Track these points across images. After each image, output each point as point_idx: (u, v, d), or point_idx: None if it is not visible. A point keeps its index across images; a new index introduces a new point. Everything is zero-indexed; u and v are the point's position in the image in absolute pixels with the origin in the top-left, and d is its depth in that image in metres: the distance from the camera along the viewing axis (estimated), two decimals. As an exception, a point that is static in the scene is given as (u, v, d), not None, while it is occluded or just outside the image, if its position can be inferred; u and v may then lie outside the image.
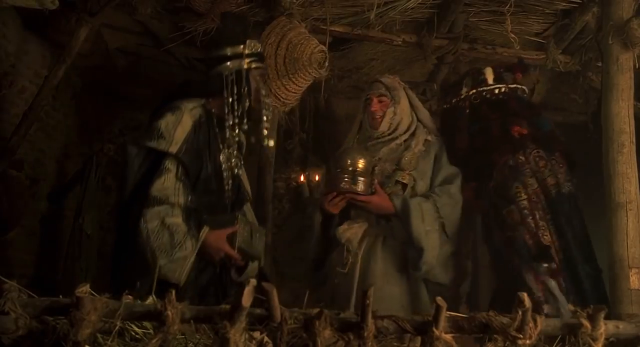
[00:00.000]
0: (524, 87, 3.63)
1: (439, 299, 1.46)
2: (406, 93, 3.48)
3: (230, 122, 2.78)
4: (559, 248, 3.23)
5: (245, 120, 2.81)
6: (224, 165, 2.83)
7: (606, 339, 1.54)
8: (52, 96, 4.18)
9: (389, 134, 3.36)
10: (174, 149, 2.61)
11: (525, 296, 1.49)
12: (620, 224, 2.97)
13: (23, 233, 4.31)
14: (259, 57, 2.93)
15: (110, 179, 5.56)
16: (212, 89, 2.81)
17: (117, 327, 1.45)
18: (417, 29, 4.00)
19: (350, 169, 3.10)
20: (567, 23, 3.85)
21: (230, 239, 2.64)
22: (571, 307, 1.58)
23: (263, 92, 2.90)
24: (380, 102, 3.38)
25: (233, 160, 2.89)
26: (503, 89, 3.51)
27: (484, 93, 3.50)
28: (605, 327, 1.52)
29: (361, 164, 3.12)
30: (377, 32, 3.88)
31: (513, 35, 3.63)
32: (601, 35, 3.27)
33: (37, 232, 4.59)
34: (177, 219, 2.54)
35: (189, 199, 2.61)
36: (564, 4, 3.71)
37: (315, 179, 5.85)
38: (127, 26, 4.23)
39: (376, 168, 3.24)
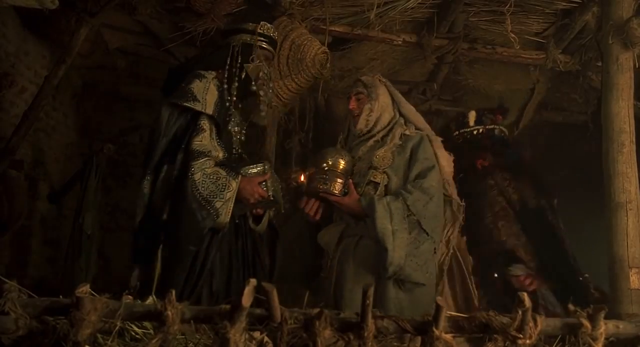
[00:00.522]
0: (501, 127, 4.40)
1: (439, 299, 1.46)
2: (387, 89, 3.40)
3: (228, 92, 2.95)
4: (531, 253, 3.73)
5: (237, 91, 2.95)
6: (232, 132, 3.01)
7: (606, 338, 1.54)
8: (52, 96, 4.18)
9: (368, 132, 3.31)
10: (209, 110, 2.80)
11: (525, 295, 1.49)
12: (620, 224, 2.97)
13: (22, 233, 4.31)
14: (269, 40, 3.06)
15: (111, 179, 5.56)
16: (219, 59, 2.98)
17: (117, 328, 1.45)
18: (417, 29, 4.00)
19: (326, 169, 3.11)
20: (567, 23, 3.85)
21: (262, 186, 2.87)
22: (571, 307, 1.58)
23: (265, 71, 3.01)
24: (357, 100, 3.34)
25: (236, 128, 3.04)
26: (481, 130, 4.31)
27: (465, 134, 4.30)
28: (606, 327, 1.52)
29: (337, 164, 3.14)
30: (377, 32, 3.88)
31: (513, 35, 3.63)
32: (601, 34, 3.27)
33: (36, 232, 4.59)
34: (215, 168, 2.74)
35: (223, 154, 2.85)
36: (564, 4, 3.71)
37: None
38: (127, 26, 4.23)
39: (354, 168, 3.21)
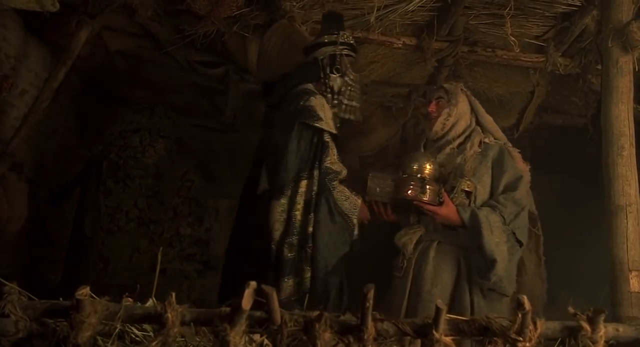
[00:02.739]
0: None
1: (439, 301, 1.46)
2: (467, 98, 3.47)
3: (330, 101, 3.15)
4: None
5: (338, 98, 3.17)
6: None
7: (606, 341, 1.54)
8: (52, 99, 4.18)
9: (442, 136, 3.35)
10: (332, 128, 3.04)
11: (525, 298, 1.49)
12: (620, 226, 2.97)
13: (22, 235, 4.31)
14: (350, 47, 3.28)
15: (111, 181, 5.57)
16: (313, 74, 3.18)
17: (117, 330, 1.45)
18: (417, 32, 4.00)
19: (418, 176, 3.07)
20: (567, 26, 3.85)
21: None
22: (571, 310, 1.58)
23: (351, 76, 3.21)
24: (437, 103, 3.40)
25: None
26: None
27: None
28: (605, 330, 1.52)
29: (428, 170, 3.10)
30: (377, 34, 3.88)
31: (513, 38, 3.63)
32: (601, 38, 3.27)
33: (37, 235, 4.59)
34: (342, 186, 2.99)
35: (345, 171, 3.07)
36: (564, 7, 3.71)
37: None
38: (127, 29, 4.23)
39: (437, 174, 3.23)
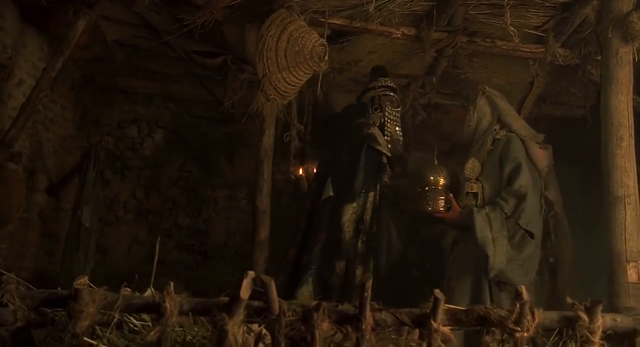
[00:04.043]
0: None
1: (436, 291, 1.46)
2: (488, 99, 3.62)
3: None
4: None
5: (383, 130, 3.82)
6: None
7: (603, 331, 1.54)
8: (50, 89, 4.17)
9: (472, 140, 3.59)
10: (388, 152, 3.68)
11: (523, 288, 1.49)
12: (619, 218, 2.98)
13: (21, 226, 4.30)
14: (389, 88, 3.93)
15: (109, 172, 5.56)
16: (362, 112, 3.86)
17: (115, 320, 1.45)
18: (416, 22, 3.97)
19: (427, 188, 3.47)
20: (567, 16, 3.83)
21: None
22: (569, 300, 1.58)
23: (388, 110, 3.87)
24: (464, 111, 3.75)
25: None
26: None
27: None
28: (603, 320, 1.52)
29: (437, 181, 3.48)
30: (376, 25, 3.85)
31: (512, 28, 3.60)
32: (601, 28, 3.26)
33: (35, 225, 4.59)
34: None
35: None
36: (564, -3, 3.69)
37: (313, 173, 5.84)
38: (125, 18, 4.20)
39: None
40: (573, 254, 3.62)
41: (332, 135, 4.06)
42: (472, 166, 3.48)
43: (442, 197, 3.39)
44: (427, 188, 3.45)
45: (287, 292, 3.24)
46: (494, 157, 3.44)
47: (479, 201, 3.39)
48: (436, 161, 3.60)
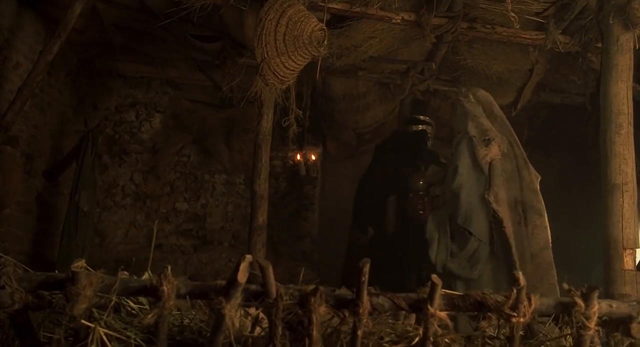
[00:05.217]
0: None
1: (434, 276, 1.46)
2: (465, 104, 3.79)
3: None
4: None
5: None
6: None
7: (599, 317, 1.54)
8: (47, 72, 4.14)
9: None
10: None
11: (520, 274, 1.49)
12: (616, 205, 2.98)
13: (19, 210, 4.30)
14: (422, 122, 4.80)
15: (107, 156, 5.55)
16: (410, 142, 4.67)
17: (112, 303, 1.45)
18: (416, 8, 3.95)
19: (421, 193, 3.98)
20: (568, 2, 3.81)
21: None
22: (565, 286, 1.59)
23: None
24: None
25: None
26: None
27: None
28: (599, 306, 1.53)
29: (421, 185, 3.98)
30: (375, 10, 3.83)
31: (513, 14, 3.58)
32: (602, 15, 3.25)
33: (33, 209, 4.58)
34: None
35: None
36: (565, -17, 3.67)
37: (311, 158, 5.84)
38: (122, 1, 4.17)
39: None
40: (530, 246, 3.62)
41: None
42: (432, 172, 4.05)
43: (419, 202, 3.92)
44: (420, 193, 3.91)
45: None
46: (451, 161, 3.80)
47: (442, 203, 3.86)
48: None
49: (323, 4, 3.64)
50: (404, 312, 1.55)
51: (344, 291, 1.48)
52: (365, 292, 1.43)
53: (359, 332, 1.44)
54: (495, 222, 3.46)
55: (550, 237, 3.50)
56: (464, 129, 3.68)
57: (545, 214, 3.52)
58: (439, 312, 1.46)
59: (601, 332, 1.66)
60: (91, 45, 4.89)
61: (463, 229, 3.44)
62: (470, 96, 3.84)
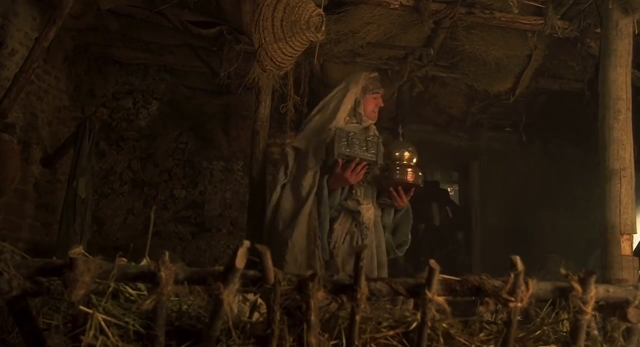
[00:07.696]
0: None
1: (432, 261, 1.46)
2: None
3: None
4: None
5: None
6: None
7: (596, 302, 1.55)
8: (43, 59, 4.11)
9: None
10: None
11: (517, 258, 1.50)
12: (614, 191, 2.99)
13: (16, 197, 4.30)
14: None
15: (104, 143, 5.54)
16: None
17: (110, 289, 1.45)
18: (415, -7, 3.92)
19: (404, 162, 3.35)
20: (567, -13, 3.80)
21: None
22: (563, 271, 1.59)
23: None
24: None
25: None
26: None
27: None
28: (596, 291, 1.53)
29: (407, 155, 3.37)
30: (374, -6, 3.81)
31: None
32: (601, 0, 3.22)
33: (30, 197, 4.58)
34: None
35: None
36: (564, -32, 3.64)
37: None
38: (118, -14, 4.14)
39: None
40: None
41: None
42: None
43: (410, 170, 3.32)
44: (403, 162, 3.37)
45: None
46: None
47: None
48: (401, 140, 3.55)
49: (321, -11, 3.61)
50: (402, 297, 1.55)
51: (342, 276, 1.48)
52: (363, 278, 1.43)
53: (357, 318, 1.44)
54: None
55: None
56: None
57: None
58: (437, 297, 1.46)
59: (598, 316, 1.66)
60: (87, 31, 4.86)
61: None
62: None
